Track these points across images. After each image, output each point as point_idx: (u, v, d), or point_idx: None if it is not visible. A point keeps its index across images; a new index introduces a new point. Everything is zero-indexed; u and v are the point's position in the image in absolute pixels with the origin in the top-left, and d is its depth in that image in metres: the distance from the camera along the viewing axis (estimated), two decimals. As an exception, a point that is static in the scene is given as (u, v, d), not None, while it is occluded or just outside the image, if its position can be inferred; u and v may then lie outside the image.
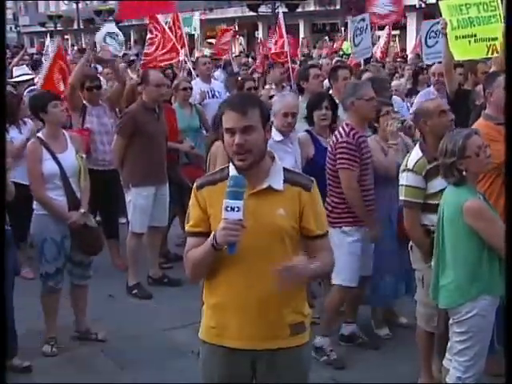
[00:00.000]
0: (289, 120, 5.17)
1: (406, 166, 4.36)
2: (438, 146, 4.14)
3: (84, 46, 29.97)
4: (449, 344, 3.90)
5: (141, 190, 6.37)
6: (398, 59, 15.46)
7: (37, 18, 53.67)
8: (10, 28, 51.73)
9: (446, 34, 6.24)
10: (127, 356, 5.18)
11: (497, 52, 6.13)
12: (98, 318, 5.63)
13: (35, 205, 5.18)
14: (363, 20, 10.73)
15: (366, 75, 7.47)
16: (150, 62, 9.90)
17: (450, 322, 3.83)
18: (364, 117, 5.04)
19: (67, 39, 49.91)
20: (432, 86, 7.71)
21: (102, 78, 8.29)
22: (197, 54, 17.07)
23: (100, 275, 5.85)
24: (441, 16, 6.49)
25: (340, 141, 4.87)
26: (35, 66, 14.68)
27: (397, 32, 19.42)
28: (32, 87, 8.29)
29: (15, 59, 13.37)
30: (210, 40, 22.80)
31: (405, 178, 4.35)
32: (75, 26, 45.36)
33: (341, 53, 17.91)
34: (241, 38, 41.79)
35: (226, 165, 3.00)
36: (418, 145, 4.46)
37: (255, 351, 2.92)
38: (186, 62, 10.84)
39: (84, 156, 5.46)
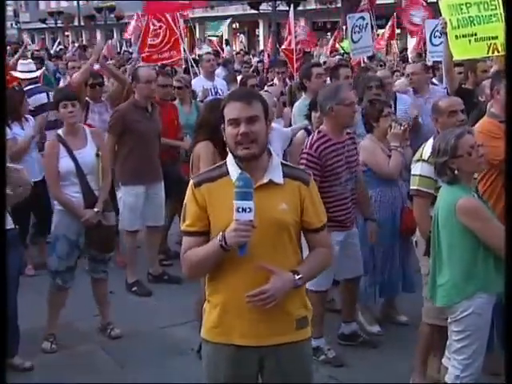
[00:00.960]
0: None
1: (421, 156, 4.37)
2: None
3: (85, 42, 30.01)
4: (448, 342, 3.91)
5: (130, 188, 6.39)
6: (398, 58, 15.48)
7: (37, 15, 53.67)
8: (11, 25, 51.71)
9: (445, 34, 6.24)
10: (127, 353, 5.19)
11: (497, 51, 6.11)
12: (98, 315, 5.62)
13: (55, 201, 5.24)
14: (363, 18, 10.74)
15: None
16: (153, 55, 9.90)
17: (449, 320, 3.84)
18: (342, 123, 4.85)
19: (68, 36, 50.02)
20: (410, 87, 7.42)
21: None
22: (197, 51, 17.06)
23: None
24: (441, 15, 6.48)
25: (303, 151, 4.83)
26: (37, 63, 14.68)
27: (397, 31, 19.36)
28: (32, 85, 8.25)
29: (16, 56, 13.31)
30: (210, 37, 22.85)
31: (419, 168, 4.37)
32: (76, 23, 45.39)
33: (341, 51, 17.89)
34: (241, 35, 41.92)
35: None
36: (432, 138, 4.40)
37: (262, 347, 2.92)
38: (186, 62, 10.83)
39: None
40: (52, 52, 23.23)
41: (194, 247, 2.91)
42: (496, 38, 6.07)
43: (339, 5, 27.77)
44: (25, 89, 7.81)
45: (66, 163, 5.11)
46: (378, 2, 17.11)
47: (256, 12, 32.46)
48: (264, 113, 2.90)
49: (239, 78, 9.22)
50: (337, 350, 5.05)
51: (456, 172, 3.75)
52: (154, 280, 6.64)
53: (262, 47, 32.53)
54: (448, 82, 6.83)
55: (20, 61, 9.16)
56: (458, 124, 4.37)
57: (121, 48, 24.18)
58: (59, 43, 29.74)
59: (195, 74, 10.01)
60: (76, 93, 6.93)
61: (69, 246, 5.11)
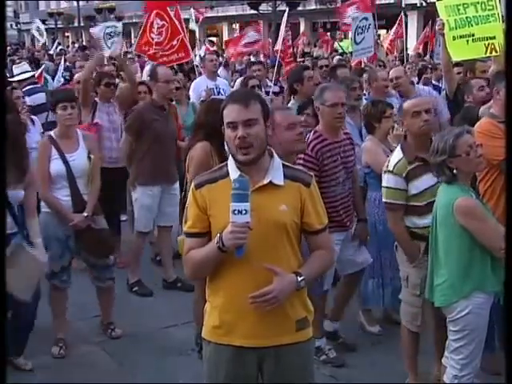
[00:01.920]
0: None
1: (387, 167, 4.34)
2: (418, 146, 4.17)
3: (85, 43, 30.00)
4: (447, 342, 3.92)
5: (147, 188, 6.33)
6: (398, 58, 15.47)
7: (37, 16, 53.62)
8: (11, 25, 51.67)
9: (443, 35, 6.24)
10: (127, 353, 5.20)
11: (495, 51, 6.10)
12: (99, 315, 5.63)
13: (42, 203, 5.17)
14: (366, 19, 10.72)
15: None
16: (158, 53, 9.88)
17: (447, 320, 3.86)
18: (328, 124, 4.80)
19: (68, 37, 50.02)
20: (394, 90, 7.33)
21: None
22: (197, 51, 17.09)
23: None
24: (439, 16, 6.48)
25: None
26: (37, 63, 14.73)
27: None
28: (30, 86, 8.27)
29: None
30: (211, 38, 22.88)
31: (385, 180, 4.34)
32: (76, 24, 45.38)
33: (340, 51, 17.91)
34: (241, 35, 41.84)
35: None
36: (399, 145, 4.40)
37: (262, 348, 2.93)
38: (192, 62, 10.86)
39: (98, 156, 5.40)
40: (52, 52, 23.20)
41: (195, 248, 2.93)
42: (494, 38, 6.06)
43: (339, 5, 27.81)
44: (24, 89, 7.83)
45: (57, 166, 5.04)
46: (378, 3, 17.11)
47: (256, 12, 32.43)
48: (263, 114, 2.90)
49: (240, 79, 9.20)
50: (337, 349, 5.06)
51: (454, 171, 3.77)
52: (167, 286, 6.53)
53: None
54: (447, 82, 6.83)
55: (14, 66, 9.25)
56: (422, 124, 4.26)
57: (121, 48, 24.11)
58: (59, 43, 29.72)
59: (200, 74, 10.02)
60: (82, 91, 6.96)
61: (60, 247, 5.07)
